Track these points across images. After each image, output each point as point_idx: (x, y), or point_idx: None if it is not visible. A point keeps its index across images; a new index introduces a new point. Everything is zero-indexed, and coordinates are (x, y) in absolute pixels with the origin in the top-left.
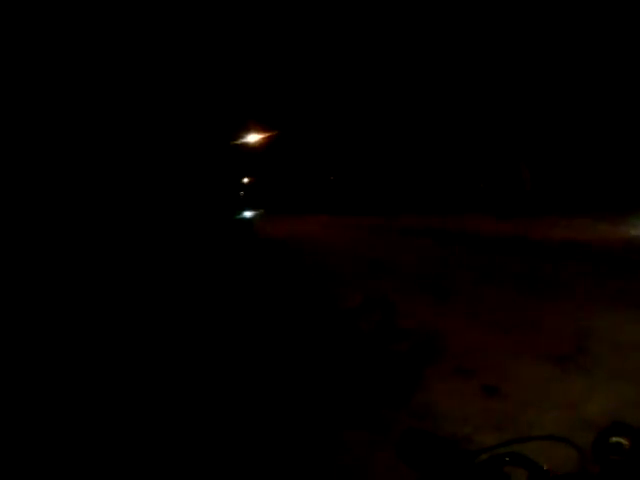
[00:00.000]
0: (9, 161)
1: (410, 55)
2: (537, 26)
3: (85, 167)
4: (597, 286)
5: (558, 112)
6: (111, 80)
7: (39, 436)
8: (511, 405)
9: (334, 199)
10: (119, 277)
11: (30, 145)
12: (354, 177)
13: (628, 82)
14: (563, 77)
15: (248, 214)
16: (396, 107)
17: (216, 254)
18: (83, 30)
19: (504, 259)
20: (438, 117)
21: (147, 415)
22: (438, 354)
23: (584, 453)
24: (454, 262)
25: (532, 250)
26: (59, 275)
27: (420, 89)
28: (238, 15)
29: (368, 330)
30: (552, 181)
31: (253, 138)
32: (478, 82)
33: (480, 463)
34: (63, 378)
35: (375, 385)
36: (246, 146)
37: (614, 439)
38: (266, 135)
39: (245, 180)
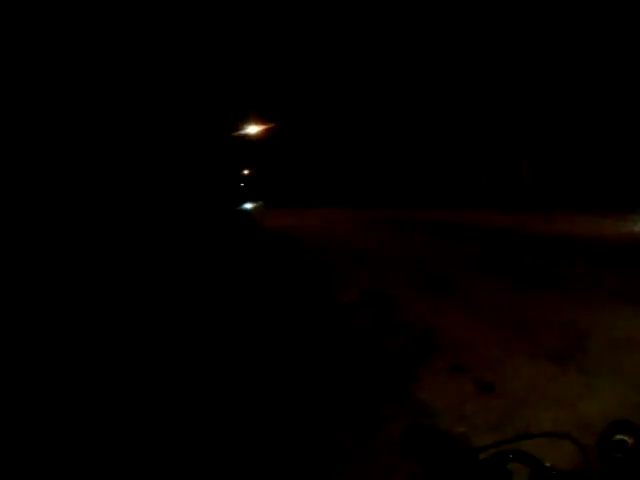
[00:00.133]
0: (9, 161)
1: (412, 50)
2: (537, 21)
3: (84, 159)
4: (597, 282)
5: (560, 107)
6: (110, 73)
7: (39, 436)
8: (507, 403)
9: (334, 192)
10: (118, 270)
11: (23, 138)
12: (355, 170)
13: (631, 76)
14: (565, 72)
15: (248, 206)
16: (398, 101)
17: (215, 246)
18: (80, 21)
19: (504, 254)
20: (440, 112)
21: (144, 414)
22: (434, 350)
23: (587, 450)
24: (453, 256)
25: (532, 245)
26: (55, 268)
27: (422, 83)
28: (239, 7)
29: (365, 325)
30: (555, 176)
31: (254, 129)
32: (480, 76)
33: (483, 460)
34: (63, 378)
35: (370, 382)
36: (247, 137)
37: (618, 437)
38: (267, 126)
39: (245, 172)
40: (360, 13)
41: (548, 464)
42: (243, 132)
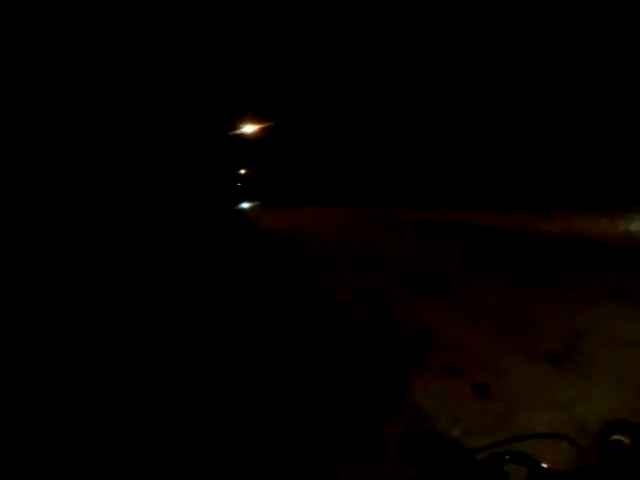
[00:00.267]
0: (7, 160)
1: (409, 48)
2: (533, 19)
3: (79, 158)
4: (594, 281)
5: (557, 105)
6: (107, 72)
7: (39, 436)
8: (502, 406)
9: (331, 191)
10: (114, 270)
11: (20, 137)
12: (353, 169)
13: (627, 75)
14: (561, 70)
15: (245, 205)
16: (395, 100)
17: (210, 246)
18: (78, 19)
19: (500, 252)
20: (436, 110)
21: (143, 414)
22: (429, 351)
23: (584, 451)
24: (450, 255)
25: (529, 243)
26: (53, 267)
27: (419, 82)
28: (235, 7)
29: (359, 325)
30: (552, 175)
31: (250, 129)
32: (476, 75)
33: (480, 461)
34: (62, 377)
35: (363, 383)
36: (243, 137)
37: (615, 437)
38: (263, 125)
39: (242, 171)
40: (358, 11)
41: (545, 465)
42: (239, 131)
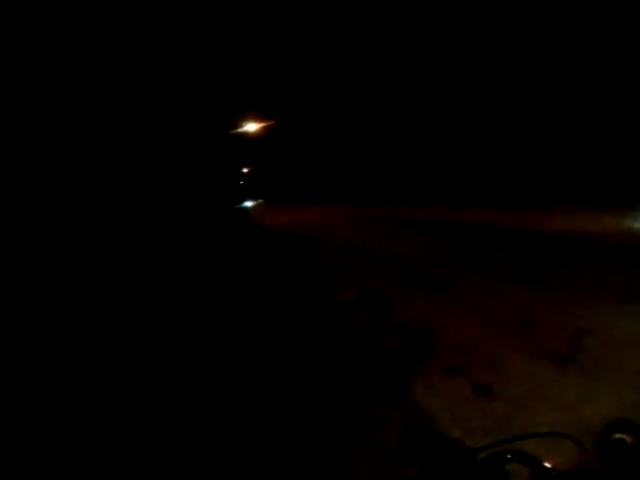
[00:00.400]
0: (8, 162)
1: (411, 47)
2: (536, 18)
3: (82, 157)
4: (597, 280)
5: (559, 103)
6: (108, 72)
7: (39, 436)
8: (505, 406)
9: (334, 189)
10: (114, 269)
11: (22, 138)
12: (355, 167)
13: (628, 72)
14: (564, 67)
15: (248, 204)
16: (398, 98)
17: (213, 244)
18: (78, 19)
19: (503, 251)
20: (439, 108)
21: (144, 414)
22: (431, 351)
23: (586, 450)
24: (452, 254)
25: (532, 242)
26: (52, 268)
27: (421, 80)
28: (237, 5)
29: (361, 324)
30: (555, 173)
31: (252, 127)
32: (479, 73)
33: (481, 460)
34: (63, 377)
35: (365, 382)
36: (245, 135)
37: (617, 436)
38: (265, 124)
39: (245, 170)
40: (359, 10)
41: (547, 464)
42: (241, 130)
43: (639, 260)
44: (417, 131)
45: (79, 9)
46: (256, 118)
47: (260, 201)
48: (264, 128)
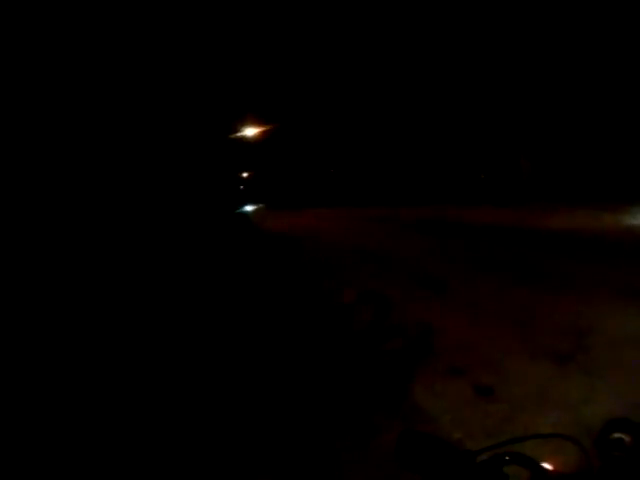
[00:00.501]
0: (8, 162)
1: (410, 48)
2: (534, 18)
3: (82, 162)
4: (597, 279)
5: (557, 101)
6: (107, 74)
7: (39, 436)
8: (506, 407)
9: (334, 191)
10: (116, 272)
11: (19, 137)
12: (354, 169)
13: (628, 70)
14: (562, 66)
15: (249, 208)
16: (397, 99)
17: (215, 248)
18: (76, 19)
19: (503, 250)
20: (439, 109)
21: (144, 414)
22: (431, 352)
23: (586, 450)
24: (451, 254)
25: (531, 241)
26: (52, 271)
27: (421, 81)
28: (236, 8)
29: (361, 326)
30: (553, 171)
31: (251, 131)
32: (477, 71)
33: (480, 463)
34: (62, 377)
35: (365, 386)
36: (244, 140)
37: (616, 435)
38: (265, 128)
39: (244, 174)
40: (358, 11)
41: (547, 465)
42: (241, 134)
43: (639, 257)
44: (416, 131)
45: (79, 9)
46: (255, 122)
47: (261, 205)
48: (263, 132)
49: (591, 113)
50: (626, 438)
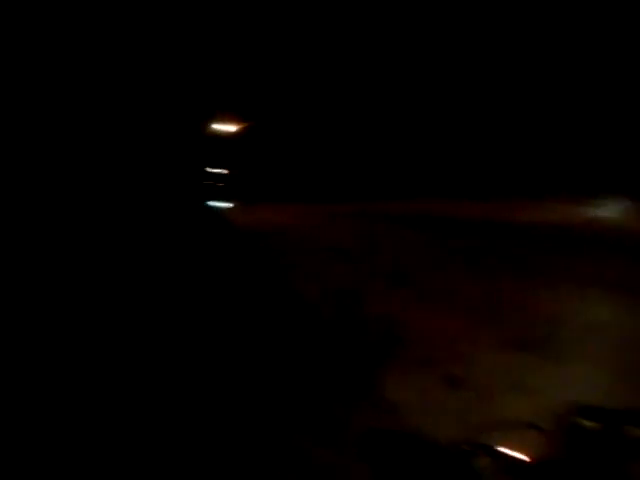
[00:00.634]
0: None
1: (401, 48)
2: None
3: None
4: (565, 268)
5: (524, 96)
6: (101, 73)
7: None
8: (475, 395)
9: (311, 187)
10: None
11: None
12: (328, 163)
13: (593, 66)
14: (534, 61)
15: (221, 204)
16: (376, 95)
17: (181, 244)
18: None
19: (472, 243)
20: (410, 99)
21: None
22: (399, 344)
23: (552, 438)
24: (420, 247)
25: (499, 232)
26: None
27: (403, 82)
28: (212, 5)
29: (327, 322)
30: (521, 165)
31: (227, 128)
32: (457, 68)
33: (449, 457)
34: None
35: (330, 380)
36: (220, 136)
37: (580, 421)
38: (241, 125)
39: (219, 171)
40: (352, 9)
41: (515, 454)
42: (217, 131)
43: (604, 247)
44: (389, 124)
45: (68, 8)
46: (232, 119)
47: (234, 201)
48: (240, 129)
49: (549, 104)
50: (590, 424)
